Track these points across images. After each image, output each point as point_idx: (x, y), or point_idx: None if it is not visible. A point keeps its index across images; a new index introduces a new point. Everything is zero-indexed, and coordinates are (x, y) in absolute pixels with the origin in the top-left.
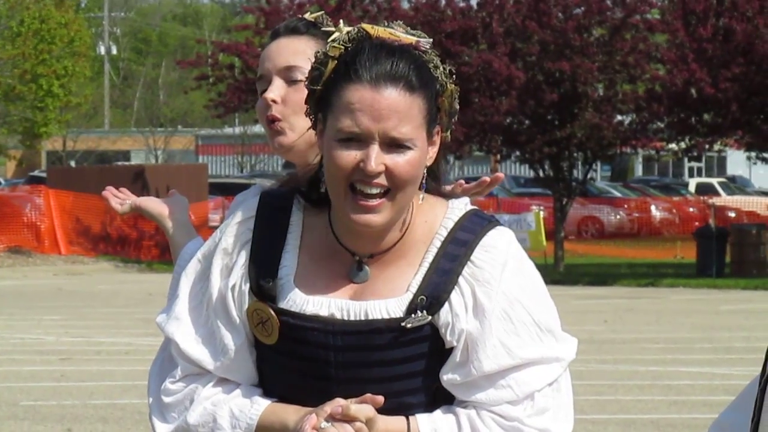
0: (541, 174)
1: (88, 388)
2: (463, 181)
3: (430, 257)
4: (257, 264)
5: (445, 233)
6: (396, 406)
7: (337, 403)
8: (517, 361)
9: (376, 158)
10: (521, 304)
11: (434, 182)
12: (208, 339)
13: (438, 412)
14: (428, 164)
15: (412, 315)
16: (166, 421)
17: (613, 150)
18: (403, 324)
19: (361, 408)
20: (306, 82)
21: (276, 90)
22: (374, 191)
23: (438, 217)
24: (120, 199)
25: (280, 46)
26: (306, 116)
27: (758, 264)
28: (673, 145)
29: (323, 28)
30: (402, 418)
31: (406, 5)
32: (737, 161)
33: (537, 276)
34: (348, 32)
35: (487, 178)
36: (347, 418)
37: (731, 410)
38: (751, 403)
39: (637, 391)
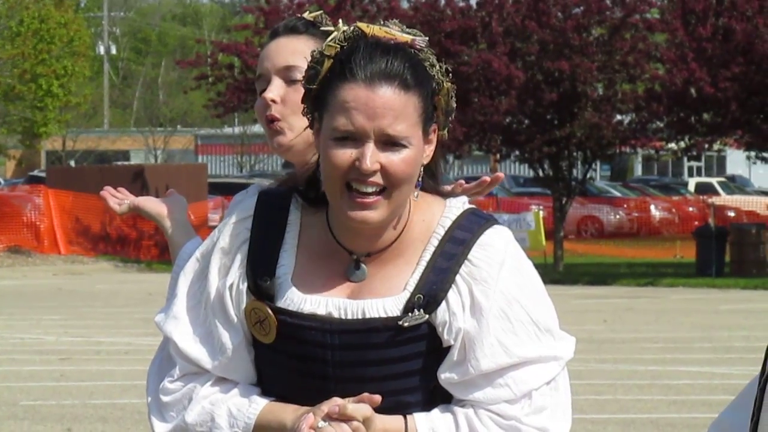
0: (540, 173)
1: (87, 387)
2: (463, 181)
3: (427, 256)
4: (255, 263)
5: (442, 232)
6: (393, 405)
7: (334, 403)
8: (514, 360)
9: (372, 156)
10: (519, 303)
11: (432, 181)
12: (206, 338)
13: (435, 411)
14: (425, 162)
15: (409, 314)
16: (164, 420)
17: (612, 149)
18: (400, 323)
19: (358, 407)
20: (303, 82)
21: (275, 90)
22: (370, 189)
23: (435, 215)
24: (118, 198)
25: (279, 45)
26: (303, 115)
27: (758, 263)
28: (672, 145)
29: (322, 28)
30: (399, 417)
31: (405, 5)
32: (737, 161)
33: (535, 275)
34: (344, 31)
35: (488, 178)
36: (344, 418)
37: (731, 410)
38: (750, 402)
39: (637, 391)
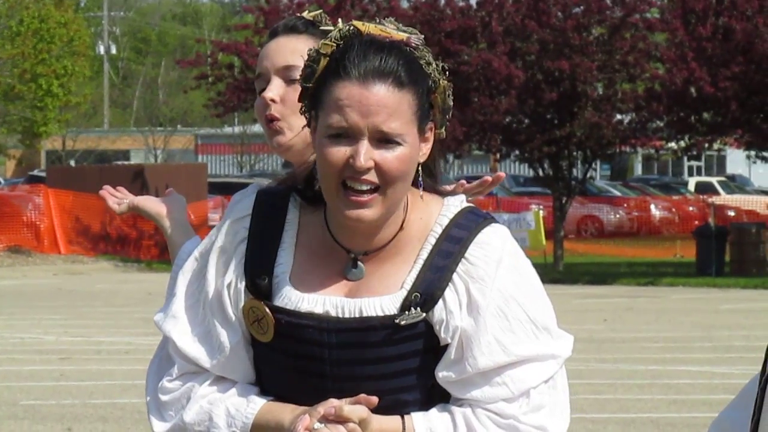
0: (540, 173)
1: (87, 387)
2: (464, 181)
3: (424, 254)
4: (253, 262)
5: (440, 230)
6: (391, 404)
7: (330, 404)
8: (512, 358)
9: (366, 154)
10: (517, 301)
11: (430, 179)
12: (205, 337)
13: (433, 411)
14: (421, 160)
15: (406, 312)
16: (163, 419)
17: (612, 149)
18: (396, 321)
19: (355, 409)
20: (300, 80)
21: (275, 89)
22: (364, 187)
23: (433, 214)
24: (117, 198)
25: (279, 45)
26: (301, 114)
27: (758, 263)
28: (672, 144)
29: (322, 27)
30: (397, 418)
31: (405, 4)
32: (737, 160)
33: (533, 273)
34: (339, 29)
35: (489, 178)
36: (340, 419)
37: (731, 409)
38: (751, 402)
39: (637, 390)
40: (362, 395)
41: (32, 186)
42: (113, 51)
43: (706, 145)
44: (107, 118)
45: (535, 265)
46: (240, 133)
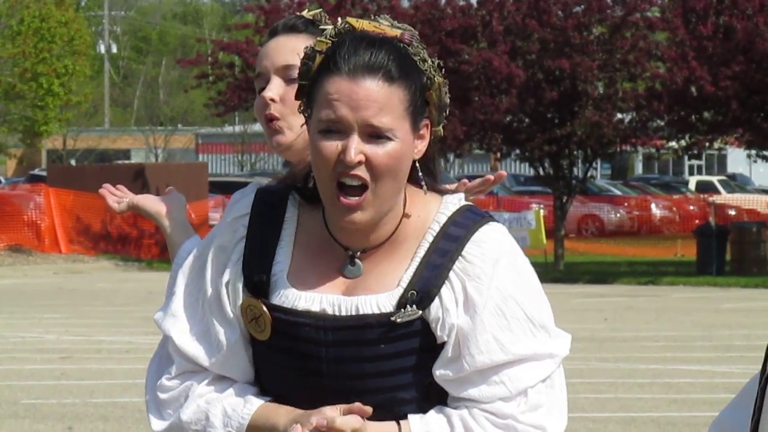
0: (541, 172)
1: (88, 386)
2: (466, 180)
3: (421, 252)
4: (251, 260)
5: (437, 228)
6: (388, 402)
7: (323, 415)
8: (509, 357)
9: (356, 147)
10: (514, 300)
11: (429, 177)
12: (204, 335)
13: (430, 414)
14: (416, 158)
15: (402, 310)
16: (161, 417)
17: (613, 148)
18: (392, 318)
19: (347, 420)
20: (297, 78)
21: (274, 89)
22: (355, 183)
23: (431, 212)
24: (117, 197)
25: (279, 44)
26: (299, 112)
27: (758, 262)
28: (673, 143)
29: (321, 26)
30: (393, 423)
31: (406, 3)
32: (737, 159)
33: (531, 271)
34: (334, 26)
35: (491, 176)
36: (332, 431)
37: (731, 408)
38: (751, 401)
39: (638, 390)
40: (356, 404)
41: (33, 185)
42: (114, 50)
43: (707, 144)
44: (108, 118)
45: (536, 265)
46: (240, 132)
